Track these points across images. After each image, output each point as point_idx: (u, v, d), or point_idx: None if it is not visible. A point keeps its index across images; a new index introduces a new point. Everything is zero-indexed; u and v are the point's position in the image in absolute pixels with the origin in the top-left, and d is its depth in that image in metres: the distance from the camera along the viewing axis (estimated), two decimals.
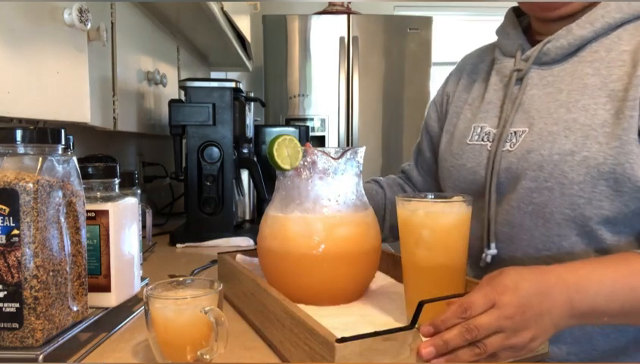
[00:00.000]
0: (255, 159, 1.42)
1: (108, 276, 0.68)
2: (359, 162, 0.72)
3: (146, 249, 1.17)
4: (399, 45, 2.69)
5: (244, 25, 2.12)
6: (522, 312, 0.51)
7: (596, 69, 0.71)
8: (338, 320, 0.62)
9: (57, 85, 0.79)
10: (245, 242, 1.27)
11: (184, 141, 1.33)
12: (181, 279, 0.61)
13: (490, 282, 0.54)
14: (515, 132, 0.75)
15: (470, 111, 0.87)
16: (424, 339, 0.52)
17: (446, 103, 0.96)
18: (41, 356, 0.53)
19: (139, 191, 0.90)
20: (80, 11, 0.79)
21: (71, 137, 0.81)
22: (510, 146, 0.75)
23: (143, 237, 0.92)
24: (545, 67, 0.76)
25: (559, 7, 0.75)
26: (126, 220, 0.71)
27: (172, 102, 1.29)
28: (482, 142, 0.80)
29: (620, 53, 0.70)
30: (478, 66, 0.92)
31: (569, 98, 0.71)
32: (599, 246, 0.70)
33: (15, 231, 0.53)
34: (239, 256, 0.87)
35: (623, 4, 0.72)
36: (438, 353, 0.50)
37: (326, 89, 2.67)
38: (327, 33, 2.65)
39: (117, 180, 0.74)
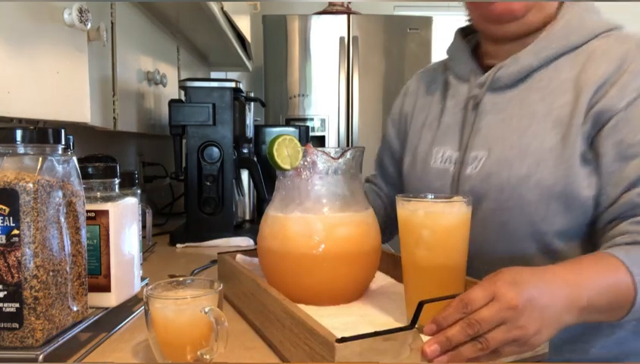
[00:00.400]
0: (255, 159, 1.42)
1: (108, 276, 0.68)
2: (359, 162, 0.72)
3: (146, 249, 1.17)
4: (399, 45, 2.69)
5: (244, 25, 2.12)
6: (523, 301, 0.51)
7: (542, 96, 0.76)
8: (338, 320, 0.62)
9: (57, 85, 0.79)
10: (245, 242, 1.27)
11: (184, 141, 1.33)
12: (181, 279, 0.61)
13: (489, 279, 0.54)
14: (475, 156, 0.80)
15: (430, 133, 0.91)
16: (424, 339, 0.52)
17: (404, 123, 0.99)
18: (41, 356, 0.53)
19: (139, 191, 0.90)
20: (80, 11, 0.79)
21: (71, 137, 0.81)
22: (472, 170, 0.80)
23: (143, 237, 0.92)
24: (498, 92, 0.81)
25: (509, 20, 0.78)
26: (126, 220, 0.71)
27: (172, 102, 1.29)
28: (445, 166, 0.85)
29: (563, 81, 0.75)
30: (430, 87, 0.96)
31: (520, 124, 0.77)
32: (554, 256, 0.75)
33: (15, 231, 0.53)
34: (239, 256, 0.87)
35: (561, 36, 0.76)
36: (442, 350, 0.50)
37: (326, 89, 2.67)
38: (327, 33, 2.65)
39: (117, 180, 0.74)
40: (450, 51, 0.93)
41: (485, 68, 0.85)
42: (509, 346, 0.51)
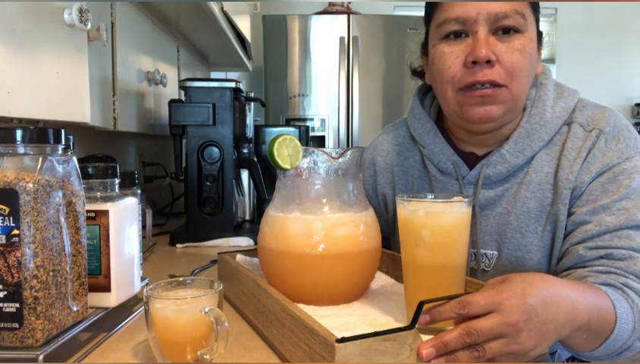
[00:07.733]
0: (255, 159, 1.42)
1: (108, 276, 0.68)
2: (359, 162, 0.72)
3: (146, 249, 1.17)
4: (399, 45, 2.69)
5: (244, 25, 2.12)
6: (525, 320, 0.51)
7: (532, 192, 0.80)
8: (338, 320, 0.62)
9: (57, 85, 0.79)
10: (245, 242, 1.27)
11: (184, 141, 1.33)
12: (181, 279, 0.61)
13: (496, 286, 0.54)
14: (485, 254, 0.85)
15: None
16: (424, 339, 0.52)
17: (384, 203, 0.98)
18: (41, 356, 0.53)
19: (139, 191, 0.90)
20: (80, 11, 0.79)
21: (71, 137, 0.81)
22: (485, 267, 0.85)
23: (143, 237, 0.92)
24: (488, 188, 0.84)
25: (486, 122, 0.78)
26: (126, 220, 0.71)
27: (172, 102, 1.29)
28: None
29: (546, 175, 0.80)
30: (404, 164, 0.94)
31: (519, 222, 0.81)
32: None
33: (15, 231, 0.53)
34: (239, 256, 0.87)
35: (540, 131, 0.79)
36: (438, 353, 0.51)
37: (326, 89, 2.67)
38: (327, 33, 2.65)
39: (117, 180, 0.74)
40: (417, 130, 0.90)
41: (461, 154, 0.85)
42: (505, 357, 0.52)
